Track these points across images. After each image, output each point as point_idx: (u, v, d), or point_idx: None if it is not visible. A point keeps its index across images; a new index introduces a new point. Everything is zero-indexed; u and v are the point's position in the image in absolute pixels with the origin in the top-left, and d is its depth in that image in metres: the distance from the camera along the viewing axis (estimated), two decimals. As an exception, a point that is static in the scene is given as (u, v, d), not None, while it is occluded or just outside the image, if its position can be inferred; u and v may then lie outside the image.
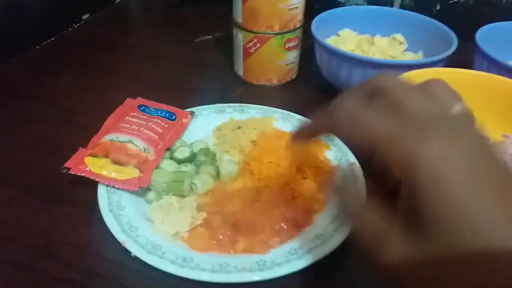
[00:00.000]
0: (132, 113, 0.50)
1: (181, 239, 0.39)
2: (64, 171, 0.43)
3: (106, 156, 0.44)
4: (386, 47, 0.65)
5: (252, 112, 0.55)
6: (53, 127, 0.55)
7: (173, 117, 0.51)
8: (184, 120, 0.52)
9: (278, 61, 0.62)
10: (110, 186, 0.42)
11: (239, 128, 0.52)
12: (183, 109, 0.54)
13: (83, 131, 0.54)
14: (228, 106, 0.55)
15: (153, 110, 0.51)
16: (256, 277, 0.35)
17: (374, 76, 0.27)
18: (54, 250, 0.39)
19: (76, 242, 0.40)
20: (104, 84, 0.65)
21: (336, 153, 0.49)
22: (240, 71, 0.65)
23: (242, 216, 0.40)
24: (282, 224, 0.40)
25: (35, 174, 0.48)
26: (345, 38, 0.65)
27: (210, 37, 0.80)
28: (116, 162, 0.43)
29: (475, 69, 0.58)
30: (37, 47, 0.74)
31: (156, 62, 0.72)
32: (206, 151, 0.47)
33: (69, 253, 0.39)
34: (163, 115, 0.51)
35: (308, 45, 0.67)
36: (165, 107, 0.53)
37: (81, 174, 0.43)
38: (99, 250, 0.39)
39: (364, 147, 0.24)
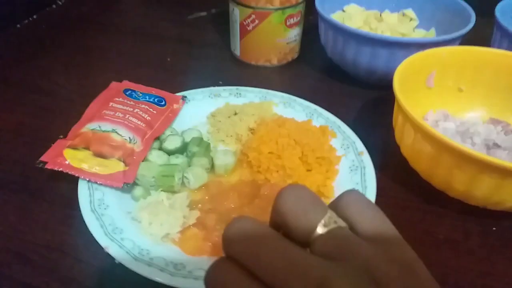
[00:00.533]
0: (117, 99, 0.45)
1: (171, 241, 0.35)
2: (40, 166, 0.38)
3: (87, 148, 0.39)
4: (396, 23, 0.60)
5: (249, 96, 0.50)
6: (32, 114, 0.50)
7: (163, 103, 0.46)
8: (175, 106, 0.47)
9: (278, 39, 0.57)
10: (91, 181, 0.37)
11: (235, 114, 0.47)
12: (174, 93, 0.49)
13: (65, 118, 0.49)
14: (223, 89, 0.50)
15: (141, 94, 0.46)
16: None
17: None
18: (27, 253, 0.35)
19: (52, 244, 0.35)
20: (89, 66, 0.60)
21: (343, 141, 0.44)
22: (237, 50, 0.60)
23: (240, 214, 0.36)
24: None
25: (10, 167, 0.43)
26: (351, 14, 0.59)
27: (204, 13, 0.74)
28: (99, 155, 0.39)
29: (493, 47, 0.53)
30: (18, 25, 0.68)
31: (146, 41, 0.66)
32: (199, 141, 0.43)
33: (44, 256, 0.35)
34: (151, 100, 0.46)
35: (311, 22, 0.62)
36: (154, 91, 0.48)
37: (59, 169, 0.38)
38: (78, 254, 0.35)
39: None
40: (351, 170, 0.41)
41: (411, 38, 0.51)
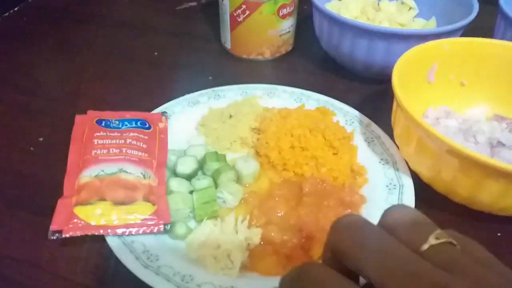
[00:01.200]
0: (98, 133, 0.38)
1: (245, 268, 0.32)
2: (54, 237, 0.31)
3: (103, 199, 0.33)
4: (395, 13, 0.57)
5: (230, 94, 0.47)
6: (11, 114, 0.47)
7: (147, 125, 0.41)
8: (160, 125, 0.42)
9: (271, 31, 0.54)
10: (125, 235, 0.32)
11: (230, 117, 0.44)
12: (163, 93, 0.46)
13: (43, 118, 0.47)
14: (199, 94, 0.47)
15: (117, 122, 0.40)
16: None
17: None
18: (2, 270, 0.32)
19: (30, 259, 0.33)
20: (72, 61, 0.57)
21: (344, 118, 0.44)
22: (227, 43, 0.57)
23: (298, 218, 0.34)
24: (348, 211, 0.35)
25: (-14, 173, 0.40)
26: (347, 3, 0.56)
27: (194, 4, 0.71)
28: (120, 202, 0.33)
29: (496, 38, 0.51)
30: (-2, 18, 0.65)
31: (133, 34, 0.63)
32: (216, 155, 0.39)
33: (21, 273, 0.32)
34: (134, 125, 0.40)
35: (305, 12, 0.59)
36: (128, 114, 0.42)
37: (81, 234, 0.32)
38: (58, 269, 0.32)
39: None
40: (368, 143, 0.41)
41: (411, 29, 0.48)
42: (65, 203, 0.33)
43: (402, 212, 0.19)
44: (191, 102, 0.46)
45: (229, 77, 0.53)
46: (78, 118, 0.41)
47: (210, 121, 0.44)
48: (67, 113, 0.47)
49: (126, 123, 0.40)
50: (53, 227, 0.31)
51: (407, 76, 0.39)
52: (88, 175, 0.35)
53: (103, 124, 0.40)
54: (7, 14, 0.66)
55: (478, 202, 0.34)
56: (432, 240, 0.17)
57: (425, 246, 0.17)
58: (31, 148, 0.43)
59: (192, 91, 0.47)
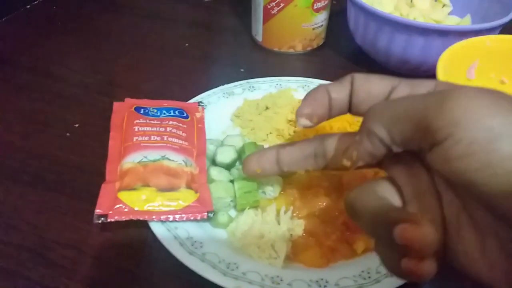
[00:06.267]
0: (138, 120, 0.38)
1: (288, 259, 0.32)
2: (99, 221, 0.31)
3: (146, 185, 0.33)
4: (428, 9, 0.56)
5: (264, 87, 0.47)
6: (43, 100, 0.48)
7: (185, 114, 0.41)
8: (197, 115, 0.42)
9: (304, 24, 0.53)
10: (169, 221, 0.32)
11: (267, 109, 0.44)
12: (193, 84, 0.45)
13: (78, 105, 0.47)
14: (234, 86, 0.46)
15: (156, 110, 0.40)
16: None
17: None
18: (44, 251, 0.32)
19: (71, 242, 0.33)
20: (101, 50, 0.57)
21: None
22: (259, 36, 0.56)
23: (341, 211, 0.33)
24: None
25: (23, 157, 0.40)
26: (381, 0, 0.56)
27: (221, -4, 0.70)
28: (164, 189, 0.33)
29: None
30: (28, 6, 0.65)
31: (161, 25, 0.63)
32: (254, 145, 0.38)
33: (62, 255, 0.32)
34: (173, 114, 0.40)
35: (337, 6, 0.58)
36: (165, 103, 0.42)
37: (127, 219, 0.31)
38: (98, 252, 0.32)
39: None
40: None
41: (451, 25, 0.47)
42: (108, 187, 0.33)
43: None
44: (226, 93, 0.46)
45: (260, 69, 0.52)
46: (116, 105, 0.41)
47: (246, 113, 0.44)
48: (101, 101, 0.48)
49: (164, 111, 0.40)
50: (98, 211, 0.31)
51: (449, 72, 0.39)
52: (131, 161, 0.34)
53: (141, 111, 0.39)
54: (36, 1, 0.67)
55: None
56: None
57: None
58: (67, 134, 0.43)
59: (224, 83, 0.47)
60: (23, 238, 0.33)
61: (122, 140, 0.37)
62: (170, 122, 0.39)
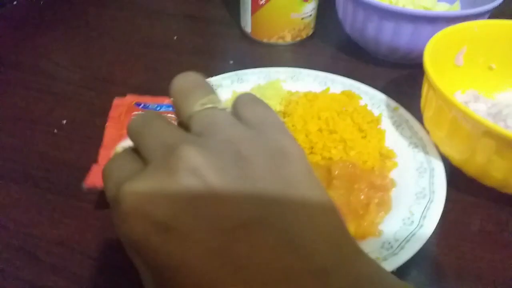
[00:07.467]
0: (136, 112, 0.40)
1: None
2: (87, 191, 0.33)
3: None
4: (418, -4, 0.55)
5: (253, 78, 0.47)
6: (31, 97, 0.47)
7: None
8: None
9: (293, 14, 0.53)
10: None
11: None
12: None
13: (65, 101, 0.47)
14: (222, 78, 0.46)
15: (156, 106, 0.41)
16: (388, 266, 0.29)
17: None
18: (32, 249, 0.32)
19: (59, 239, 0.33)
20: (90, 45, 0.56)
21: (371, 101, 0.44)
22: (247, 27, 0.56)
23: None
24: (380, 194, 0.34)
25: (10, 155, 0.40)
26: (369, -14, 0.55)
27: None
28: None
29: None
30: (14, 3, 0.65)
31: (150, 18, 0.62)
32: None
33: (50, 252, 0.32)
34: (172, 109, 0.40)
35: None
36: (166, 100, 0.42)
37: None
38: (87, 249, 0.32)
39: None
40: (396, 127, 0.41)
41: (439, 11, 0.47)
42: (99, 168, 0.33)
43: (180, 83, 0.20)
44: (214, 86, 0.45)
45: (249, 61, 0.52)
46: (117, 101, 0.42)
47: (235, 105, 0.43)
48: (89, 96, 0.47)
49: (163, 107, 0.41)
50: (87, 183, 0.32)
51: (436, 59, 0.38)
52: (126, 145, 0.35)
53: (141, 106, 0.40)
54: (22, -2, 0.66)
55: (513, 186, 0.33)
56: (197, 107, 0.19)
57: (191, 113, 0.19)
58: (55, 131, 0.43)
59: (213, 75, 0.47)
60: (11, 237, 0.33)
61: (118, 129, 0.38)
62: (168, 115, 0.39)
